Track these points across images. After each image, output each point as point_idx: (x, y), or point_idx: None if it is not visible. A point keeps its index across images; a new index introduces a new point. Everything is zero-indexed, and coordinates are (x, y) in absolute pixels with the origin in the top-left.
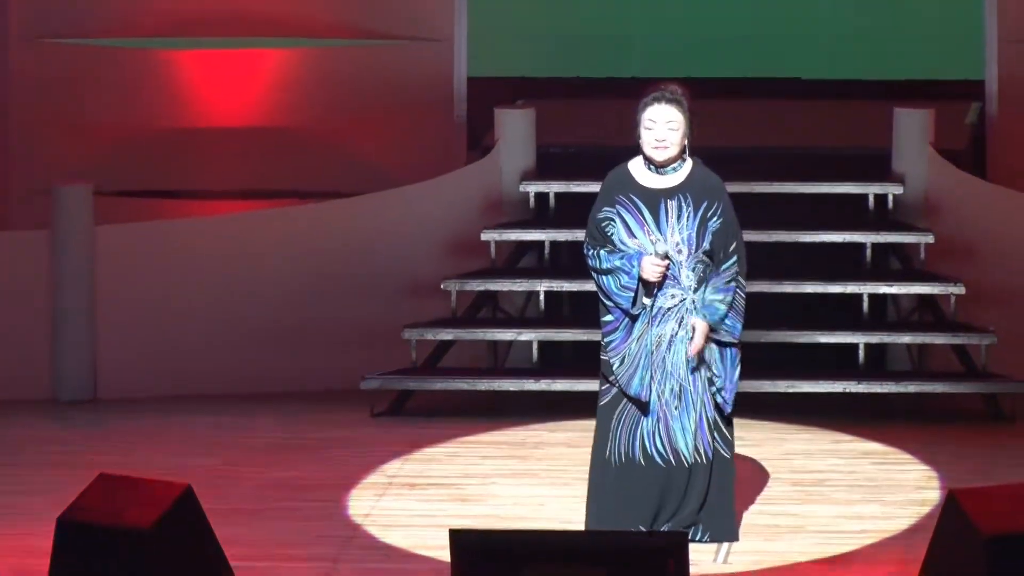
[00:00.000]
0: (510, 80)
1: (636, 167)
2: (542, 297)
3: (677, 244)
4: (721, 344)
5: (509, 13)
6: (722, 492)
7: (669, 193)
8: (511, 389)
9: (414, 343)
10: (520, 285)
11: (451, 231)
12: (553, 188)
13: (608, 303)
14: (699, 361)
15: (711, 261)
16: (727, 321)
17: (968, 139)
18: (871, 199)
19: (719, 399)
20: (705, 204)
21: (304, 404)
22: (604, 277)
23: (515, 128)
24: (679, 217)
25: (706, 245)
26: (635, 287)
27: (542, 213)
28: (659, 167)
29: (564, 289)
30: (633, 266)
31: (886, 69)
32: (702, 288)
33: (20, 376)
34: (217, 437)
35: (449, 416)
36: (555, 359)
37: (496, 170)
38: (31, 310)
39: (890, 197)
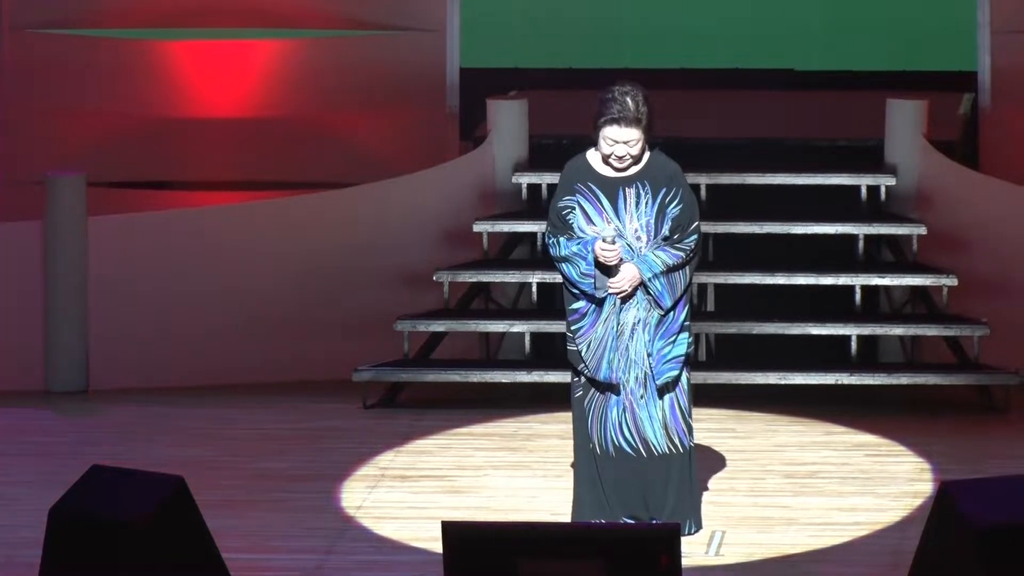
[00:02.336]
0: (503, 71)
1: (594, 157)
2: (535, 288)
3: (636, 231)
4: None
5: (501, 3)
6: (694, 480)
7: (627, 181)
8: (503, 381)
9: (406, 334)
10: (513, 276)
11: (443, 222)
12: (546, 179)
13: (574, 291)
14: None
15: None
16: (657, 282)
17: (961, 130)
18: (864, 190)
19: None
20: (664, 190)
21: (296, 395)
22: (565, 265)
23: (508, 119)
24: (637, 204)
25: (665, 231)
26: (593, 272)
27: (535, 204)
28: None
29: (557, 281)
30: (588, 251)
31: (879, 60)
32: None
33: (12, 367)
34: (209, 429)
35: (441, 408)
36: (547, 351)
37: (489, 161)
38: (23, 301)
39: (883, 188)
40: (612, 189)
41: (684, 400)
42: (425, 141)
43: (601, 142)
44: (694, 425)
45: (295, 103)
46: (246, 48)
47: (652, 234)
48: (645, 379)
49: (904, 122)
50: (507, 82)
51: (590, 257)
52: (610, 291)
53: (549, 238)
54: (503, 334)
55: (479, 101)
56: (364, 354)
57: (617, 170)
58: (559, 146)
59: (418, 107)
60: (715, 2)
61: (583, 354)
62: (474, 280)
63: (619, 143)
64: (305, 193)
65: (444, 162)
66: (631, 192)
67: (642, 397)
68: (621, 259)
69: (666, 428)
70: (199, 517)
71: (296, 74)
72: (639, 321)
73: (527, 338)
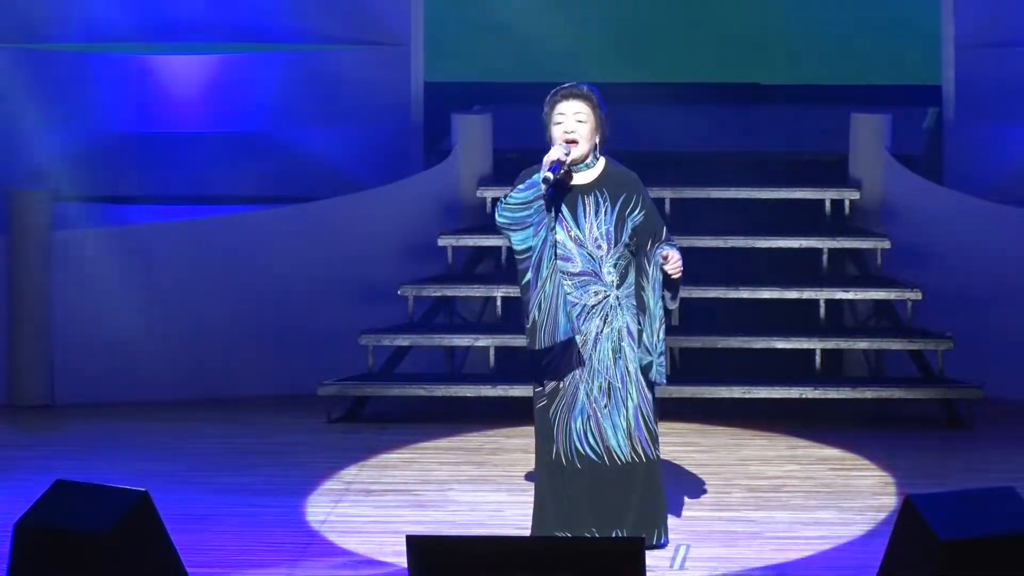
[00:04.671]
0: (467, 85)
1: None
2: (499, 303)
3: (596, 239)
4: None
5: (466, 18)
6: (661, 490)
7: (585, 189)
8: (468, 395)
9: (371, 348)
10: (477, 291)
11: (408, 236)
12: None
13: (519, 214)
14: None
15: (639, 254)
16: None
17: (925, 144)
18: (828, 204)
19: (655, 374)
20: (623, 198)
21: (261, 409)
22: (511, 202)
23: (472, 133)
24: (597, 212)
25: (625, 239)
26: (537, 182)
27: None
28: (571, 164)
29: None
30: (533, 179)
31: (843, 74)
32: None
33: None
34: (174, 443)
35: (406, 422)
36: (512, 365)
37: (453, 175)
38: None
39: (847, 202)
40: (571, 197)
41: (648, 409)
42: (389, 155)
43: (552, 127)
44: (660, 438)
45: (259, 117)
46: (210, 63)
47: (613, 242)
48: (609, 388)
49: (868, 136)
50: (471, 97)
51: (536, 178)
52: (672, 267)
53: (495, 209)
54: (467, 348)
55: (444, 115)
56: (328, 368)
57: (564, 141)
58: (523, 160)
59: (382, 121)
60: (679, 16)
61: (536, 318)
62: (438, 294)
63: (567, 116)
64: (269, 208)
65: (409, 176)
66: (590, 200)
67: (606, 406)
68: (566, 156)
69: (630, 437)
70: (164, 531)
71: (260, 88)
72: (600, 331)
73: (491, 352)
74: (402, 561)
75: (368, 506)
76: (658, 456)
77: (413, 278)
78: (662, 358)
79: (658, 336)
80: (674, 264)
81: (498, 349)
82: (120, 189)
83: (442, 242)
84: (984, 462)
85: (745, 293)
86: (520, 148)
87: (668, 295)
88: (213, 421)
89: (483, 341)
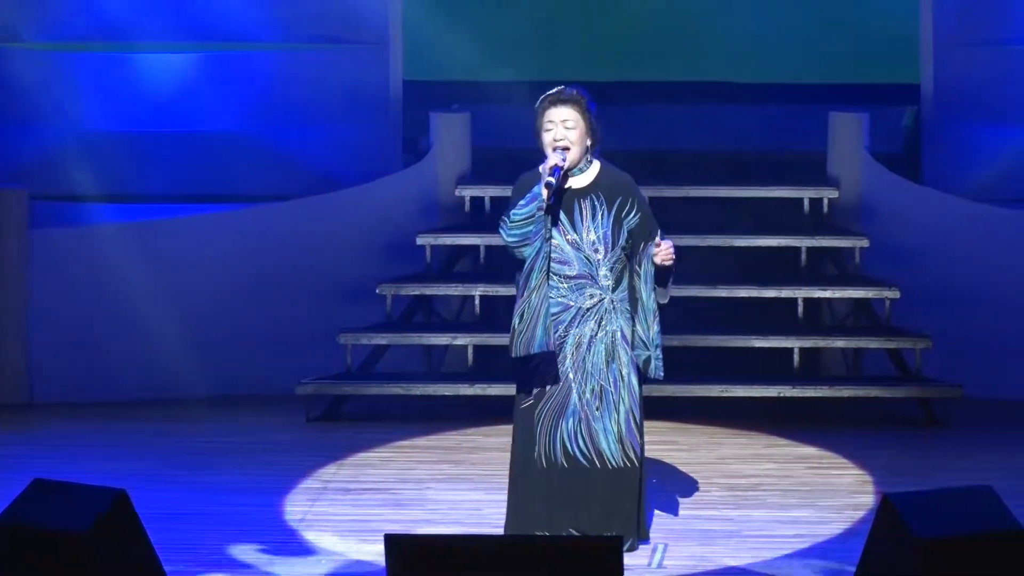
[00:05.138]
0: (446, 84)
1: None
2: (477, 302)
3: (593, 243)
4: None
5: (444, 17)
6: (642, 493)
7: (581, 193)
8: (446, 394)
9: (349, 347)
10: (456, 289)
11: (386, 235)
12: (489, 192)
13: (524, 230)
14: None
15: (633, 256)
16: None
17: (903, 143)
18: (806, 203)
19: (653, 369)
20: (619, 201)
21: (239, 408)
22: (516, 219)
23: (451, 132)
24: (593, 216)
25: (622, 242)
26: (538, 194)
27: (478, 217)
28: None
29: (499, 294)
30: (533, 192)
31: (822, 73)
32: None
33: None
34: (152, 441)
35: (384, 420)
36: (490, 364)
37: (432, 174)
38: None
39: (825, 201)
40: (567, 201)
41: (639, 413)
42: (368, 154)
43: (543, 134)
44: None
45: (238, 116)
46: (190, 62)
47: (610, 246)
48: (601, 392)
49: (847, 135)
50: (450, 95)
51: (536, 190)
52: (663, 256)
53: (499, 228)
54: (446, 347)
55: (422, 114)
56: (307, 367)
57: (557, 148)
58: (502, 159)
59: (361, 120)
60: (657, 15)
61: (516, 325)
62: (417, 293)
63: (556, 124)
64: (248, 206)
65: (387, 175)
66: (586, 204)
67: (597, 409)
68: (563, 161)
69: (621, 441)
70: (141, 530)
71: (240, 87)
72: (594, 334)
73: (470, 351)
74: (380, 560)
75: (346, 505)
76: (642, 460)
77: (392, 277)
78: (659, 351)
79: (653, 330)
80: (665, 252)
81: (476, 348)
82: (97, 188)
83: (420, 241)
84: (962, 461)
85: (723, 292)
86: (499, 147)
87: (660, 290)
88: (191, 420)
89: (461, 340)
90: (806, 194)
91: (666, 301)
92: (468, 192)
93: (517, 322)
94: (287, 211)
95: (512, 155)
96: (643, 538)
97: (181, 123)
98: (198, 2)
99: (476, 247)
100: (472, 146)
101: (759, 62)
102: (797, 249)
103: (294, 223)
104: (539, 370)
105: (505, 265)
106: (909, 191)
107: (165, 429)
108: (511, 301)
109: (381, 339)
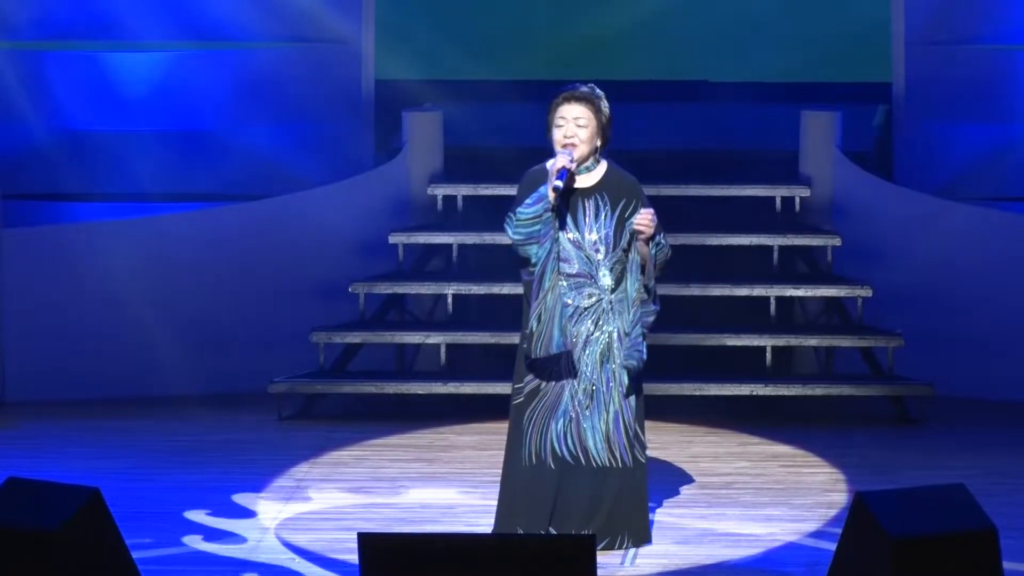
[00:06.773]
0: (418, 83)
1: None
2: (450, 300)
3: (594, 243)
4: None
5: (416, 15)
6: (641, 496)
7: (586, 193)
8: (419, 392)
9: (322, 346)
10: (428, 288)
11: (359, 234)
12: (461, 191)
13: (530, 229)
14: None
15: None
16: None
17: (875, 142)
18: (778, 202)
19: (633, 360)
20: (623, 203)
21: (212, 407)
22: (522, 217)
23: (423, 131)
24: (597, 216)
25: (623, 243)
26: (544, 195)
27: (450, 216)
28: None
29: (472, 292)
30: (540, 192)
31: (793, 71)
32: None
33: None
34: (125, 440)
35: (357, 419)
36: (463, 362)
37: (404, 173)
38: None
39: (797, 200)
40: (572, 201)
41: (630, 416)
42: (340, 153)
43: (553, 129)
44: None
45: (210, 115)
46: (161, 60)
47: (611, 246)
48: (593, 392)
49: (818, 134)
50: (422, 94)
51: (542, 190)
52: (641, 224)
53: (505, 224)
54: (418, 345)
55: (394, 113)
56: (280, 365)
57: (566, 147)
58: (474, 158)
59: (333, 119)
60: (629, 13)
61: (533, 328)
62: (389, 292)
63: (568, 121)
64: (221, 205)
65: (359, 174)
66: (590, 204)
67: (587, 407)
68: (571, 163)
69: (608, 441)
70: (114, 528)
71: (211, 86)
72: (590, 334)
73: (442, 349)
74: (354, 559)
75: (319, 503)
76: (641, 463)
77: (364, 275)
78: (639, 340)
79: (634, 317)
80: (644, 220)
81: (449, 346)
82: (70, 187)
83: (393, 239)
84: (934, 459)
85: (696, 290)
86: (471, 145)
87: (643, 278)
88: (163, 419)
89: (434, 338)
90: (778, 192)
91: (652, 284)
92: (440, 191)
93: (535, 325)
94: (259, 210)
95: (484, 154)
96: (644, 540)
97: (153, 122)
98: (171, 1)
99: (449, 246)
100: (444, 145)
101: (731, 61)
102: (769, 248)
103: (266, 222)
104: (542, 368)
105: (477, 264)
106: (881, 189)
107: (137, 427)
108: (484, 299)
109: (354, 338)
